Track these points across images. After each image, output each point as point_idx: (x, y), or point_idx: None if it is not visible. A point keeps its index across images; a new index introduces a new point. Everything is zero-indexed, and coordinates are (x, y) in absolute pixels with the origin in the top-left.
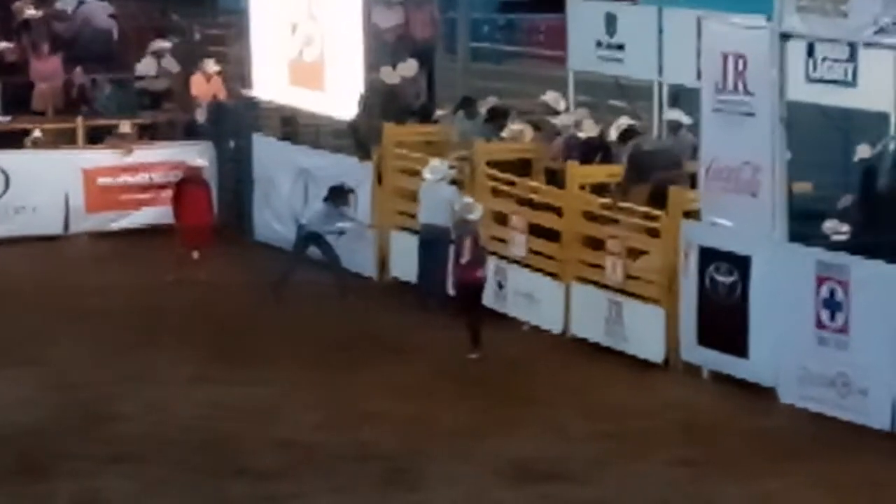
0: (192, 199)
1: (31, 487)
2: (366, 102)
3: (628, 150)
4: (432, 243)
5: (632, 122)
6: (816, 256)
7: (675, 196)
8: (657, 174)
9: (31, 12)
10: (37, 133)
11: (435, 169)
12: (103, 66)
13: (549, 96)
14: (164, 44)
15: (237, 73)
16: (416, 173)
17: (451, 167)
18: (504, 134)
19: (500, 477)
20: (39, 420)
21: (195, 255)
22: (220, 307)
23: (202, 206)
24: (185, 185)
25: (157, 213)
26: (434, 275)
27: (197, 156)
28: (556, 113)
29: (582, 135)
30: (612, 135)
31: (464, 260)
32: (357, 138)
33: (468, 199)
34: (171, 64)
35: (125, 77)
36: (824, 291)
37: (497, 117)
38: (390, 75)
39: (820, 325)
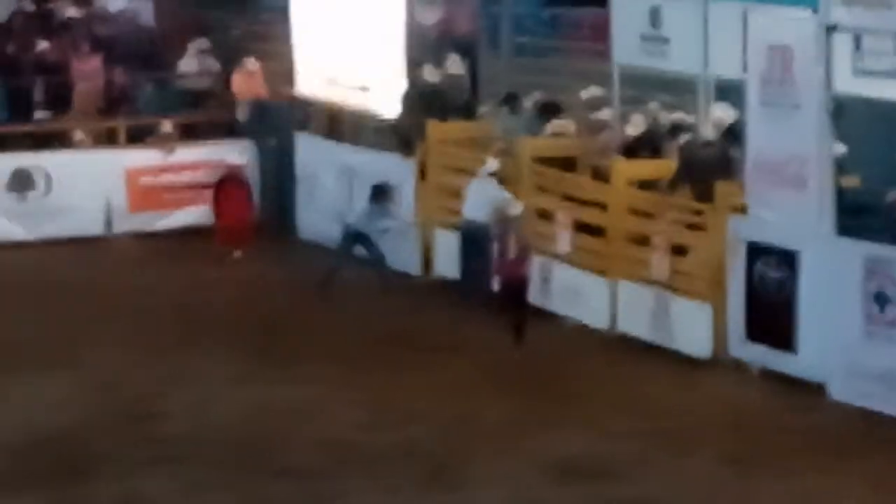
0: (232, 198)
1: (72, 489)
2: (409, 100)
3: (678, 147)
4: (474, 239)
5: (680, 116)
6: (865, 250)
7: (722, 190)
8: (707, 173)
9: (72, 12)
10: (79, 135)
11: (487, 165)
12: (144, 66)
13: (592, 91)
14: (205, 42)
15: (280, 70)
16: (460, 170)
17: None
18: (548, 129)
19: (545, 475)
20: (81, 421)
21: (237, 254)
22: (263, 306)
23: (242, 205)
24: (225, 184)
25: (200, 212)
26: (477, 271)
27: (238, 154)
28: (601, 107)
29: (630, 130)
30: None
31: (509, 256)
32: (399, 136)
33: (508, 195)
34: (211, 62)
35: (166, 76)
36: (873, 285)
37: (548, 112)
38: (433, 73)
39: (869, 319)
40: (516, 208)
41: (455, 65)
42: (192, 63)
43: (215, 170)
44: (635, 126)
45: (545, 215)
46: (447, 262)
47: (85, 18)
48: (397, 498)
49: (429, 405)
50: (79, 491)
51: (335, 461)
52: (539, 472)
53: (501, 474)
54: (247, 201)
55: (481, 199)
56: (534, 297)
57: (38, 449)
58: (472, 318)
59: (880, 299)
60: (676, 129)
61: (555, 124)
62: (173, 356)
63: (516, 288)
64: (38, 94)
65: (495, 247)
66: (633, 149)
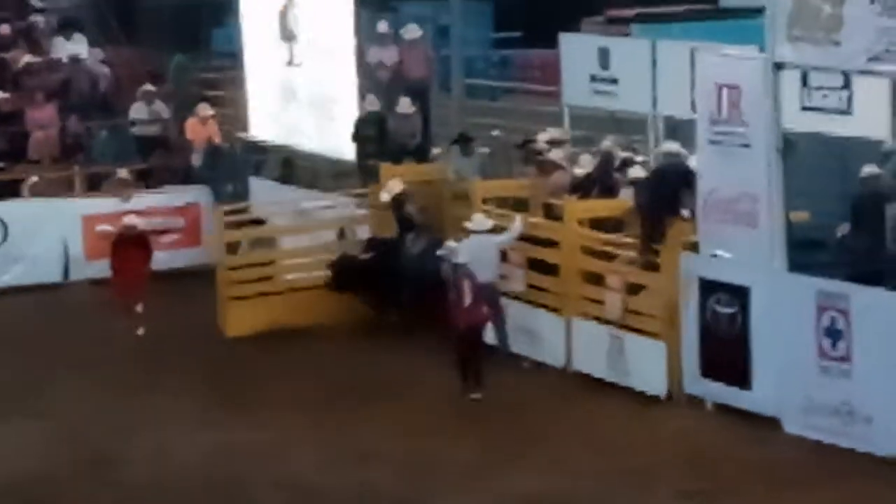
0: (128, 257)
1: None
2: (358, 132)
3: (631, 181)
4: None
5: (630, 154)
6: (817, 286)
7: (674, 228)
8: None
9: (26, 60)
10: (34, 178)
11: (483, 222)
12: (98, 113)
13: (551, 132)
14: (150, 87)
15: (232, 116)
16: None
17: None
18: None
19: None
20: (45, 468)
21: (138, 308)
22: (219, 353)
23: (139, 263)
24: (121, 244)
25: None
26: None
27: (194, 199)
28: (559, 145)
29: (579, 171)
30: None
31: (466, 302)
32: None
33: (452, 243)
34: (161, 108)
35: (120, 123)
36: (825, 320)
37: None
38: (373, 103)
39: (822, 354)
40: (465, 254)
41: (403, 106)
42: (142, 109)
43: (174, 216)
44: (583, 167)
45: (502, 257)
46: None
47: (39, 67)
48: None
49: (387, 446)
50: None
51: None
52: None
53: None
54: (143, 259)
55: (485, 256)
56: (488, 336)
57: (2, 496)
58: (426, 359)
59: (832, 334)
60: (627, 164)
61: (549, 131)
62: (134, 402)
63: (477, 332)
64: None
65: (451, 296)
66: (583, 187)
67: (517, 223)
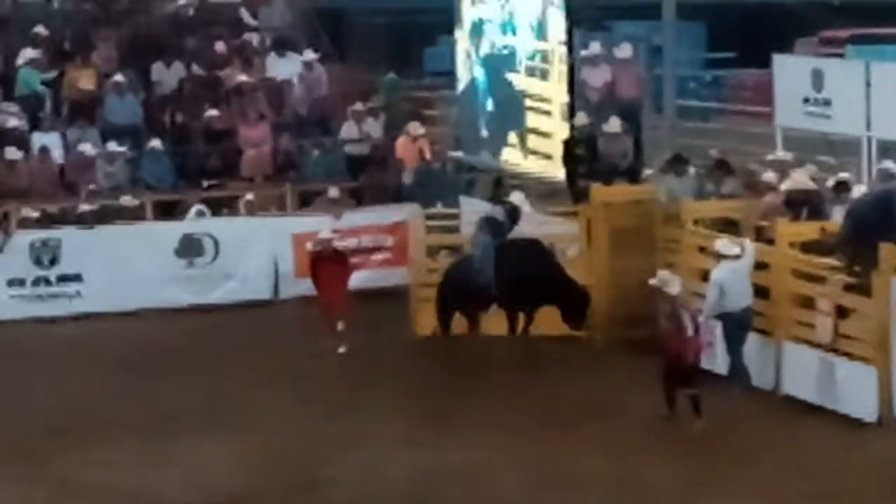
0: (331, 274)
1: None
2: (571, 150)
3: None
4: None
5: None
6: None
7: (886, 252)
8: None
9: (241, 79)
10: (249, 196)
11: (730, 246)
12: (311, 131)
13: (779, 154)
14: (359, 107)
15: (444, 135)
16: None
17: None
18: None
19: None
20: (249, 485)
21: (341, 326)
22: (426, 370)
23: (337, 280)
24: (320, 261)
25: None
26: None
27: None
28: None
29: (786, 185)
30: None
31: (689, 333)
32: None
33: (666, 273)
34: (372, 127)
35: (332, 141)
36: None
37: (719, 170)
38: (582, 121)
39: None
40: (676, 285)
41: (612, 126)
42: (353, 128)
43: (385, 234)
44: (795, 182)
45: (706, 277)
46: None
47: (253, 85)
48: None
49: (595, 468)
50: None
51: None
52: None
53: None
54: (344, 276)
55: (742, 283)
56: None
57: None
58: (635, 383)
59: None
60: (840, 187)
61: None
62: (341, 420)
63: (695, 365)
64: (206, 161)
65: (667, 326)
66: (793, 208)
67: (750, 246)
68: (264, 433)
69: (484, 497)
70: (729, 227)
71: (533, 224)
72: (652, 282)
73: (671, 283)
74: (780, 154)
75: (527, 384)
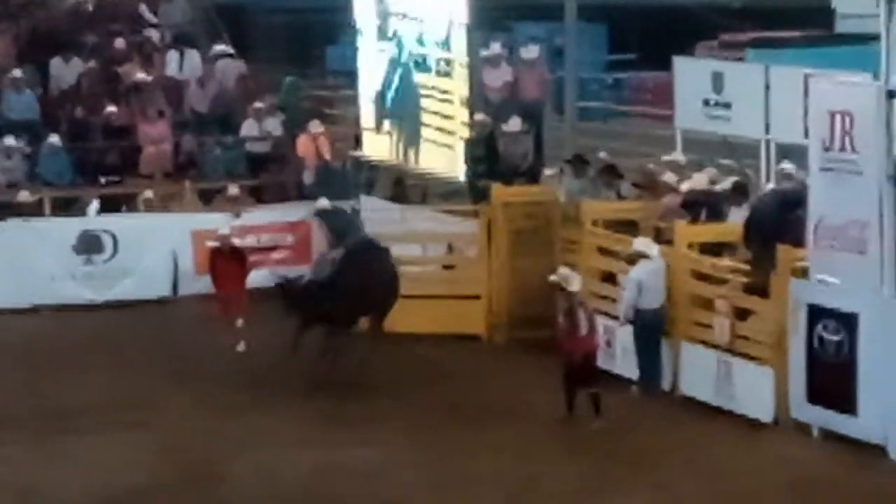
0: (225, 271)
1: None
2: (471, 151)
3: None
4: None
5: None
6: None
7: (784, 254)
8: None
9: (140, 76)
10: (148, 194)
11: (649, 245)
12: (212, 129)
13: (675, 156)
14: (260, 105)
15: (344, 134)
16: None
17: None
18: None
19: None
20: (148, 483)
21: (239, 322)
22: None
23: (236, 278)
24: (218, 258)
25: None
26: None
27: (304, 216)
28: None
29: (684, 185)
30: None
31: (582, 332)
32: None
33: (566, 270)
34: (273, 125)
35: (232, 139)
36: None
37: (607, 174)
38: (482, 119)
39: None
40: (577, 282)
41: (513, 125)
42: (253, 126)
43: (283, 232)
44: (696, 182)
45: (607, 278)
46: None
47: (153, 83)
48: None
49: (495, 467)
50: None
51: None
52: None
53: None
54: (242, 274)
55: (658, 283)
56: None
57: None
58: (535, 383)
59: None
60: (738, 189)
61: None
62: (239, 419)
63: (591, 363)
64: (105, 158)
65: (563, 324)
66: (690, 206)
67: (655, 247)
68: (161, 430)
69: (382, 495)
70: (627, 227)
71: (432, 223)
72: (552, 278)
73: (571, 279)
74: (676, 155)
75: (427, 384)
